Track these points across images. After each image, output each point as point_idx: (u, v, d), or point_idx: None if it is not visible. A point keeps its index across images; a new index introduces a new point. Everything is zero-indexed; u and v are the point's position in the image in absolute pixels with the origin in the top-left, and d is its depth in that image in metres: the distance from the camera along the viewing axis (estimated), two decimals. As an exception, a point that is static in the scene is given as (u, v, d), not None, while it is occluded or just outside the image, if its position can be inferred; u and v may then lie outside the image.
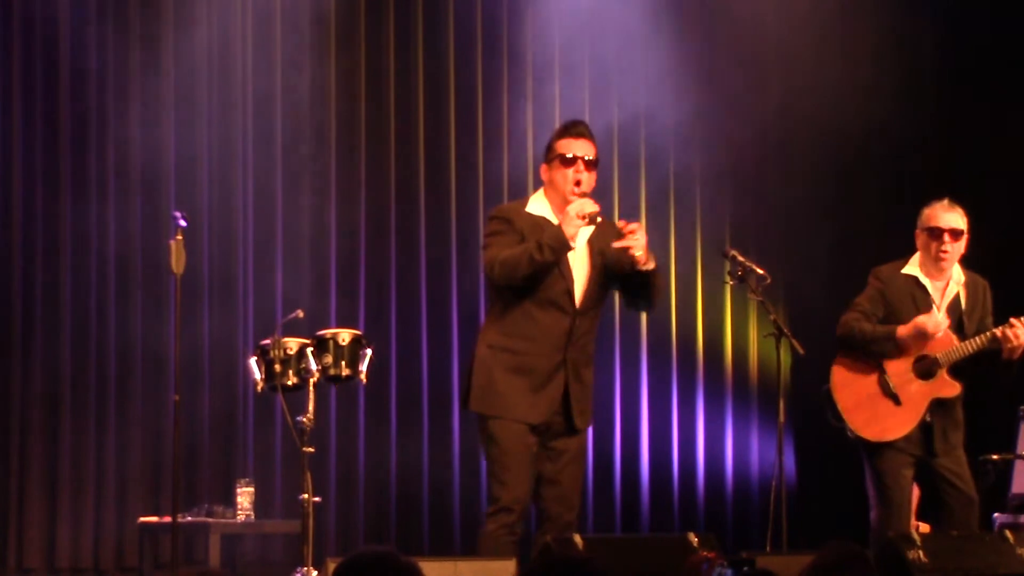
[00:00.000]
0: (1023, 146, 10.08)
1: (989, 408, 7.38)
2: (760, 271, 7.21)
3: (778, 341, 7.25)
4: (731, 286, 7.58)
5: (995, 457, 8.39)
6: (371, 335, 7.40)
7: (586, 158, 6.40)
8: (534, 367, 6.30)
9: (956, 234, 7.10)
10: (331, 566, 5.83)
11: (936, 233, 7.10)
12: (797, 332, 7.42)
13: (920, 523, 7.91)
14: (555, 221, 6.34)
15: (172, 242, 7.19)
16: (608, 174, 10.18)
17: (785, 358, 7.48)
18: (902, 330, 7.06)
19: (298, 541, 7.04)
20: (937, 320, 7.05)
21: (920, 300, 7.14)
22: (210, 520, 8.52)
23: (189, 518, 8.51)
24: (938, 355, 7.09)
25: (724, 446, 10.28)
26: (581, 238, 6.35)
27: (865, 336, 7.10)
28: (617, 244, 6.30)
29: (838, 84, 10.12)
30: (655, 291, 6.44)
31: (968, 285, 7.21)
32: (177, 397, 7.41)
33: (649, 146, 10.26)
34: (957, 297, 7.18)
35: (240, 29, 9.58)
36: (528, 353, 6.31)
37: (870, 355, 7.14)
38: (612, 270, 6.43)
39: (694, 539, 6.12)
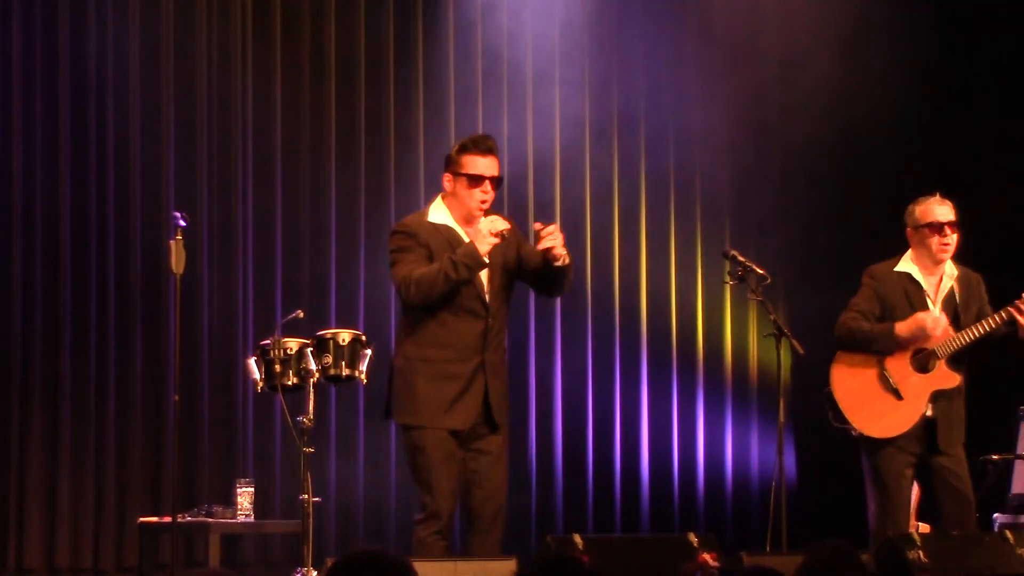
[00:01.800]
0: (1023, 143, 10.08)
1: (989, 408, 7.37)
2: (760, 271, 7.23)
3: (778, 341, 7.26)
4: (731, 286, 7.58)
5: (995, 457, 8.40)
6: (371, 335, 7.39)
7: (493, 177, 6.47)
8: (454, 373, 6.38)
9: (953, 226, 7.17)
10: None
11: (936, 227, 7.15)
12: (797, 332, 7.41)
13: (920, 523, 7.92)
14: (457, 229, 6.43)
15: (172, 242, 7.19)
16: (608, 174, 10.18)
17: (785, 358, 7.48)
18: (900, 327, 7.10)
19: (298, 541, 7.03)
20: (936, 316, 7.09)
21: (914, 296, 7.18)
22: (210, 520, 8.50)
23: (189, 518, 8.49)
24: (935, 347, 7.11)
25: (724, 446, 10.27)
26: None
27: (864, 335, 7.14)
28: (540, 246, 6.39)
29: (839, 83, 10.12)
30: (567, 282, 6.59)
31: (961, 279, 7.25)
32: (177, 397, 7.42)
33: (649, 145, 10.25)
34: (952, 291, 7.21)
35: (240, 29, 9.58)
36: (446, 360, 6.39)
37: (870, 352, 7.16)
38: (525, 268, 6.54)
39: (694, 539, 6.12)
